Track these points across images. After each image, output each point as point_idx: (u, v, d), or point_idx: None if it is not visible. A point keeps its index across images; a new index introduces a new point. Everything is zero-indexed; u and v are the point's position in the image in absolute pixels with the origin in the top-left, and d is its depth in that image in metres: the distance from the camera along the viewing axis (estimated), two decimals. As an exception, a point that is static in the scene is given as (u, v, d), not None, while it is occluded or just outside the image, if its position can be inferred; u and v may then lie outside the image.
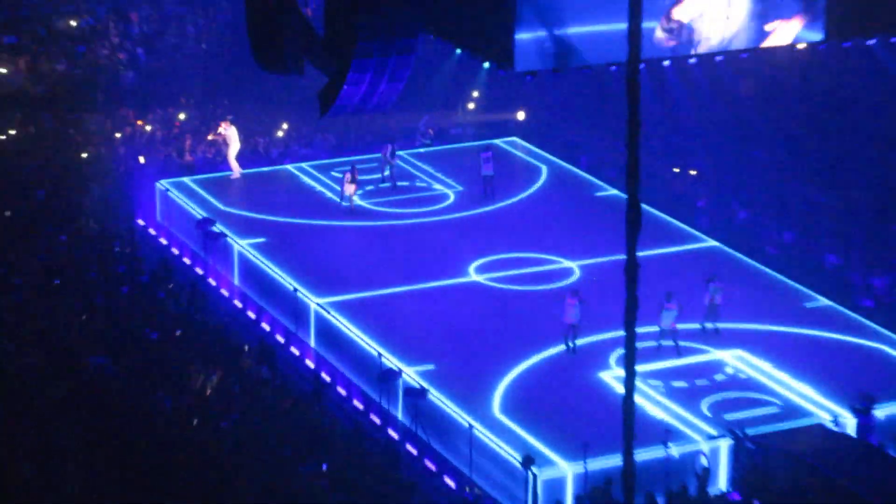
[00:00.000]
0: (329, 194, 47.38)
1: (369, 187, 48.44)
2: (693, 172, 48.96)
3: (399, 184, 48.82)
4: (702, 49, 32.31)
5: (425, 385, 36.41)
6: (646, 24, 20.76)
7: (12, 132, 49.63)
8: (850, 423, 35.03)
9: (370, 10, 31.82)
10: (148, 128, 50.54)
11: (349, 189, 46.68)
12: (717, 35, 31.99)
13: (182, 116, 50.94)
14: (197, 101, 51.88)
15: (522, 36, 30.48)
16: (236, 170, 48.24)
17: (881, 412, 35.15)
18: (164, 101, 51.73)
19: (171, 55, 54.34)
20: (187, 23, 55.95)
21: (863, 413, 34.83)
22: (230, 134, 48.24)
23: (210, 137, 49.37)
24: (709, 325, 38.88)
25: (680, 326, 37.78)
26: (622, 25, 20.27)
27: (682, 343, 37.78)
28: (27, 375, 35.59)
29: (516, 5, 30.13)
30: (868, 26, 34.00)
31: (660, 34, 31.37)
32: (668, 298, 37.53)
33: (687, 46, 31.57)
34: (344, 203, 46.79)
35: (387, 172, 49.07)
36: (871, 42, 36.59)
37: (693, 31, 31.50)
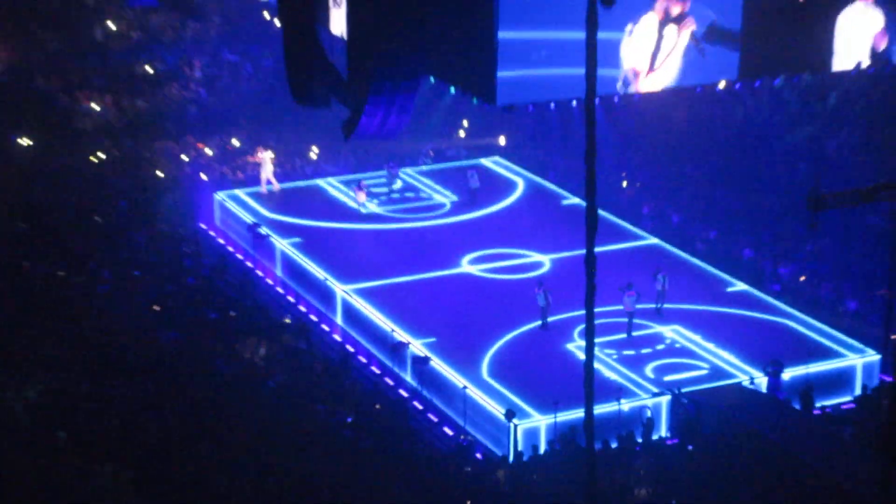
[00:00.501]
0: (352, 204, 47.08)
1: (382, 198, 48.20)
2: (638, 184, 48.71)
3: (406, 194, 48.58)
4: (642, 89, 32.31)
5: (428, 354, 36.20)
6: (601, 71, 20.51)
7: (102, 155, 49.32)
8: (762, 383, 34.86)
9: (382, 58, 31.65)
10: (208, 151, 50.23)
11: (361, 198, 46.55)
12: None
13: (235, 142, 50.64)
14: (246, 129, 51.58)
15: (503, 76, 30.33)
16: (274, 185, 47.86)
17: (787, 374, 34.98)
18: (221, 129, 51.43)
19: (227, 93, 54.02)
20: (239, 68, 55.66)
21: (773, 375, 34.67)
22: (264, 158, 48.02)
23: (251, 159, 49.12)
24: (658, 307, 38.69)
25: (638, 306, 37.64)
26: (580, 70, 20.13)
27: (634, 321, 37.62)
28: (114, 348, 35.37)
29: (497, 56, 29.97)
30: (774, 68, 33.90)
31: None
32: (628, 287, 37.35)
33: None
34: (362, 210, 46.58)
35: (396, 185, 48.83)
36: (776, 81, 36.47)
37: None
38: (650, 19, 31.04)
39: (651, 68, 31.58)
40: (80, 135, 50.55)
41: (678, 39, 31.38)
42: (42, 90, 51.99)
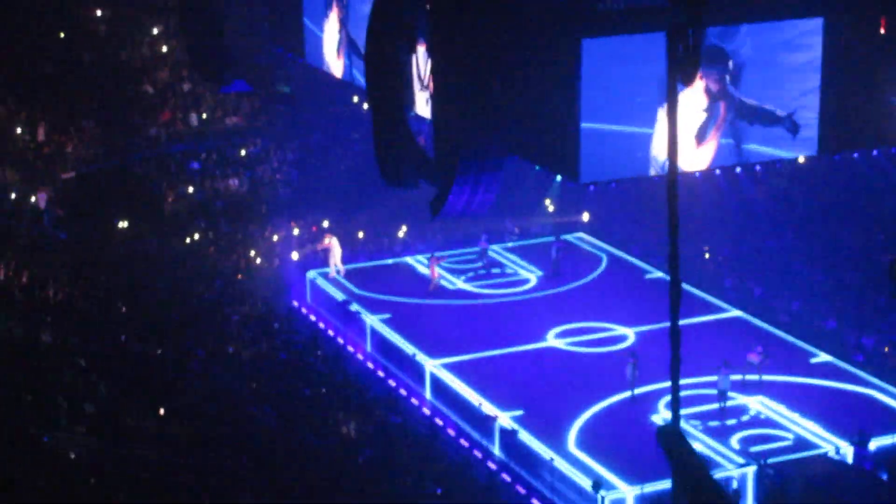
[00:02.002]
0: (443, 282, 47.24)
1: (470, 273, 48.37)
2: (720, 258, 48.53)
3: (493, 270, 48.73)
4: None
5: (516, 426, 36.14)
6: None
7: (197, 236, 49.97)
8: (848, 453, 34.43)
9: (468, 139, 31.89)
10: (296, 231, 50.62)
11: (434, 273, 46.69)
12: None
13: (325, 223, 51.07)
14: (338, 209, 52.01)
15: (586, 155, 30.53)
16: (341, 269, 47.91)
17: (873, 445, 34.55)
18: (313, 210, 51.90)
19: (318, 175, 54.56)
20: (329, 150, 56.25)
21: (860, 445, 34.25)
22: (333, 244, 48.19)
23: (318, 247, 49.14)
24: (751, 377, 38.42)
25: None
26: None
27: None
28: (209, 423, 35.65)
29: (580, 139, 30.20)
30: (853, 142, 33.75)
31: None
32: (725, 364, 37.16)
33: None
34: (436, 283, 46.66)
35: (483, 262, 49.03)
36: (856, 155, 36.31)
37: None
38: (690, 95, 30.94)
39: (699, 143, 31.54)
40: (175, 217, 51.27)
41: (720, 115, 31.32)
42: (140, 175, 52.86)
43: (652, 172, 31.35)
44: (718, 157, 32.06)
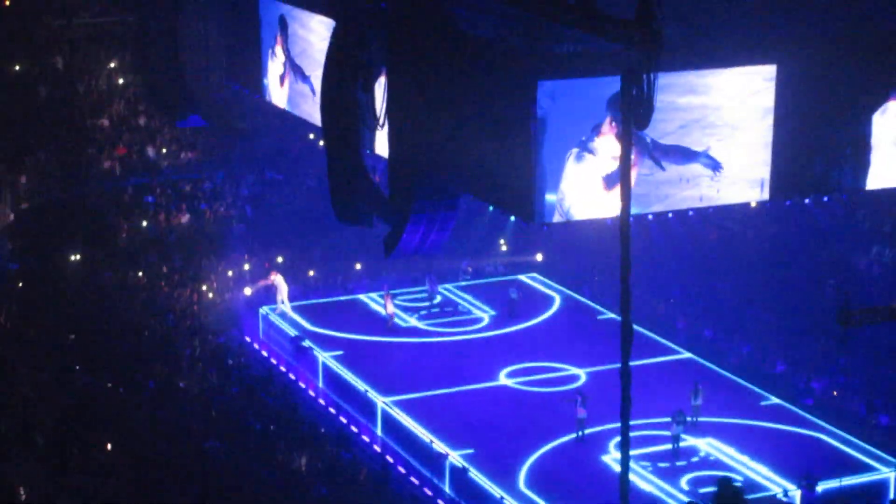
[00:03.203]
0: (383, 312, 47.24)
1: (423, 311, 48.44)
2: (672, 300, 48.78)
3: (446, 309, 48.82)
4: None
5: (467, 465, 36.15)
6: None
7: (149, 270, 49.85)
8: (796, 496, 34.62)
9: (423, 179, 32.02)
10: (246, 266, 50.50)
11: (389, 307, 46.71)
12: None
13: (280, 259, 50.99)
14: (292, 245, 51.97)
15: (541, 196, 30.63)
16: (286, 308, 47.83)
17: (820, 487, 34.75)
18: (266, 246, 51.86)
19: (272, 212, 54.54)
20: (284, 187, 56.27)
21: (807, 488, 34.44)
22: (278, 281, 48.04)
23: (262, 284, 48.95)
24: (693, 419, 38.58)
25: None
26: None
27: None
28: (159, 456, 35.49)
29: (535, 179, 30.29)
30: (803, 188, 33.99)
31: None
32: (678, 414, 37.31)
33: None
34: (392, 321, 46.72)
35: (437, 299, 49.14)
36: (807, 200, 36.59)
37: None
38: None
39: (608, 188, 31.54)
40: (129, 250, 51.10)
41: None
42: (93, 208, 52.69)
43: (556, 218, 31.22)
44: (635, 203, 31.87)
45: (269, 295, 48.93)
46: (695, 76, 31.09)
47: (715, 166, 31.56)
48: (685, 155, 31.41)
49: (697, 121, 31.66)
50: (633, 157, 30.05)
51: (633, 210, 28.17)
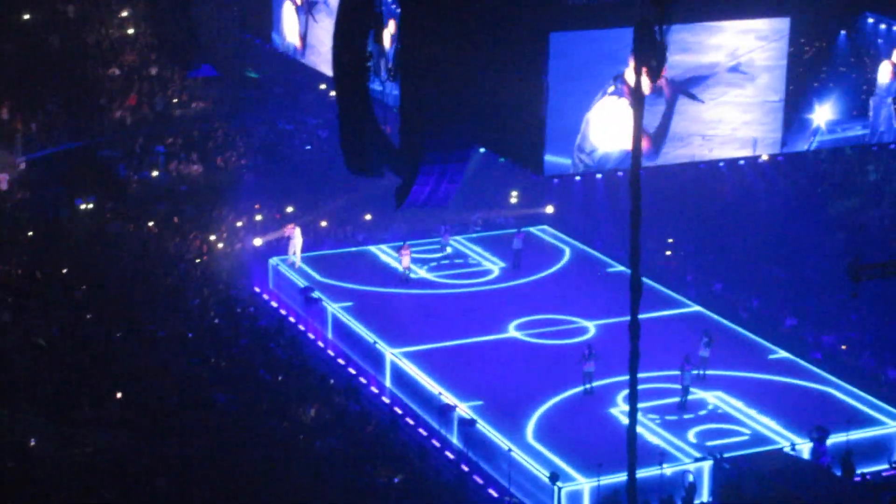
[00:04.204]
0: (399, 268, 47.16)
1: (433, 263, 48.37)
2: (681, 253, 48.68)
3: (456, 261, 48.75)
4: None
5: (475, 416, 36.16)
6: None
7: (161, 221, 49.80)
8: (804, 450, 34.59)
9: (435, 129, 31.89)
10: (258, 217, 50.43)
11: (405, 261, 46.62)
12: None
13: (290, 209, 50.88)
14: (302, 196, 51.83)
15: (550, 151, 30.55)
16: (297, 261, 47.71)
17: (829, 441, 34.72)
18: (277, 196, 51.75)
19: (284, 162, 54.42)
20: (295, 138, 56.12)
21: (818, 441, 34.36)
22: (295, 234, 47.86)
23: (277, 234, 48.72)
24: (700, 372, 38.53)
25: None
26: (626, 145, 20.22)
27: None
28: (168, 408, 35.56)
29: (545, 130, 30.19)
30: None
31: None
32: (687, 360, 37.21)
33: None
34: (408, 274, 46.64)
35: (448, 251, 49.07)
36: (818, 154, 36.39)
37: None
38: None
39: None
40: (139, 200, 51.04)
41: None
42: (105, 157, 52.59)
43: (579, 142, 31.17)
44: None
45: (279, 246, 48.88)
46: (689, 34, 30.98)
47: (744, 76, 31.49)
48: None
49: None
50: (668, 98, 30.12)
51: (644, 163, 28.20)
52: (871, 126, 34.62)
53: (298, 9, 43.17)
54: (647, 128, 31.56)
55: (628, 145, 30.75)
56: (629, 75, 29.98)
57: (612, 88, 30.35)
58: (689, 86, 31.50)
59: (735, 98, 31.75)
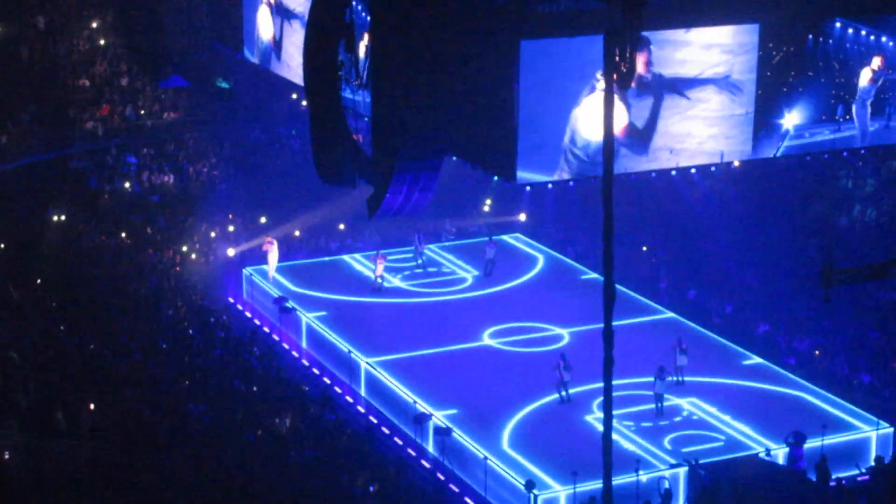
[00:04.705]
0: (371, 275, 47.12)
1: (406, 272, 48.38)
2: (654, 260, 48.82)
3: (429, 269, 48.78)
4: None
5: (450, 425, 36.17)
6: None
7: (133, 232, 49.70)
8: (778, 455, 34.69)
9: (406, 139, 31.91)
10: (230, 228, 50.37)
11: (379, 269, 46.57)
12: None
13: (263, 220, 50.87)
14: (275, 206, 51.79)
15: (522, 158, 30.61)
16: (271, 272, 47.40)
17: (805, 446, 34.84)
18: (250, 206, 51.71)
19: (255, 172, 54.39)
20: (268, 148, 56.12)
21: (794, 445, 34.46)
22: (272, 248, 47.58)
23: (264, 248, 48.38)
24: (678, 379, 38.62)
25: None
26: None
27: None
28: (143, 419, 35.46)
29: (517, 137, 30.26)
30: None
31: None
32: (661, 370, 37.30)
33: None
34: (379, 282, 46.59)
35: (421, 260, 49.07)
36: (788, 159, 36.61)
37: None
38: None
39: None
40: (111, 211, 50.93)
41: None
42: (76, 168, 52.47)
43: (569, 141, 31.35)
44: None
45: (253, 256, 48.84)
46: (656, 48, 31.18)
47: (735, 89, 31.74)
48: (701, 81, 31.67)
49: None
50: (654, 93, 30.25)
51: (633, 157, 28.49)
52: (859, 129, 34.95)
53: (273, 11, 43.19)
54: (636, 121, 31.75)
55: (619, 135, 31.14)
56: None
57: (600, 84, 30.55)
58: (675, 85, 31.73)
59: (702, 112, 31.98)
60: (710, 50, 32.01)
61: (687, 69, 31.81)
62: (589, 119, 31.05)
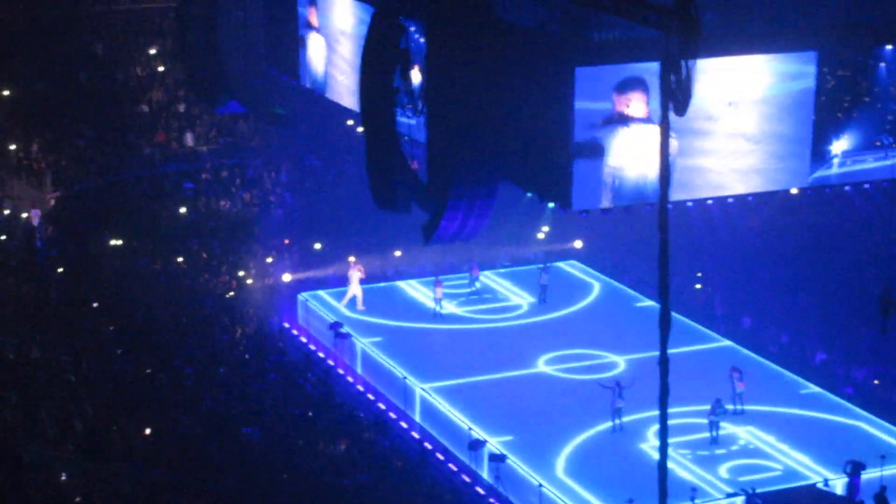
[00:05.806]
0: (429, 303, 47.28)
1: (461, 298, 48.49)
2: (710, 288, 48.65)
3: (484, 296, 48.87)
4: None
5: (505, 452, 36.19)
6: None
7: (189, 257, 50.10)
8: (836, 485, 34.49)
9: (462, 165, 32.03)
10: (269, 259, 50.66)
11: (438, 293, 46.70)
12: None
13: (318, 246, 51.13)
14: (330, 232, 52.06)
15: (578, 185, 30.69)
16: (359, 303, 47.61)
17: (863, 476, 34.62)
18: (305, 232, 52.01)
19: (311, 198, 54.71)
20: (323, 173, 56.44)
21: (852, 474, 34.24)
22: (353, 274, 47.97)
23: (351, 273, 48.49)
24: (737, 407, 38.50)
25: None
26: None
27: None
28: (197, 442, 35.71)
29: (573, 164, 30.36)
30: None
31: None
32: (717, 402, 37.22)
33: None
34: (437, 308, 46.76)
35: (476, 286, 49.17)
36: (847, 188, 36.46)
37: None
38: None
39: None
40: (168, 236, 51.39)
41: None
42: (133, 194, 53.00)
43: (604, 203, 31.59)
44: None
45: (308, 281, 49.07)
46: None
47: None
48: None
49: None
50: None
51: (673, 197, 28.30)
52: None
53: (325, 37, 43.53)
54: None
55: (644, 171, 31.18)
56: (632, 107, 30.50)
57: (631, 111, 30.67)
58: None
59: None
60: (764, 75, 31.95)
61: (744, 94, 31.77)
62: (622, 149, 31.07)
